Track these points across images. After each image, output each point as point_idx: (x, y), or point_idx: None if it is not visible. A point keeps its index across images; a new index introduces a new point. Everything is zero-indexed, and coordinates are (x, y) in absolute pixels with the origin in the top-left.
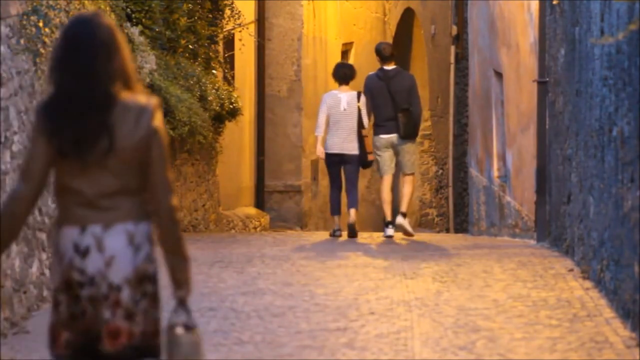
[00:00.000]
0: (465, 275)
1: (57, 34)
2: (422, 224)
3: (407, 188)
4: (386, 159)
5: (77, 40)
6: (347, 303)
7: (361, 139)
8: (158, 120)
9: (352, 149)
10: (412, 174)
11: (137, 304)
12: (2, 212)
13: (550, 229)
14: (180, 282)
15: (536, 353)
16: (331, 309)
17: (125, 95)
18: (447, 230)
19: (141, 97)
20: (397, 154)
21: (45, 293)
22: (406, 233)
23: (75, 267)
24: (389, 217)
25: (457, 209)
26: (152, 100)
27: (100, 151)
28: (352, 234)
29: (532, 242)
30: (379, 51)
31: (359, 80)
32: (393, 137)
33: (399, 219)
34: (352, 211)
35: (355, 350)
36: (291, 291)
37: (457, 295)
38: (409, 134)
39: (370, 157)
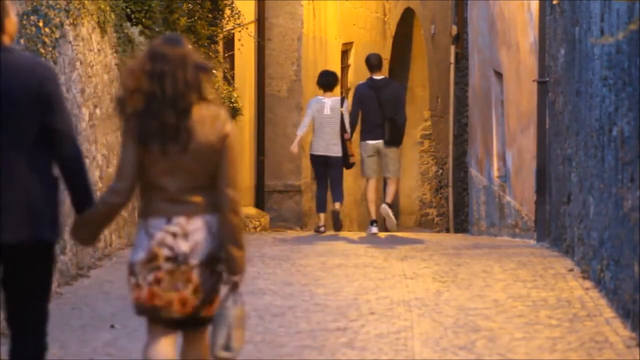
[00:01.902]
0: (465, 275)
1: (57, 33)
2: (422, 224)
3: (391, 187)
4: (371, 163)
5: (159, 53)
6: (347, 303)
7: (344, 141)
8: (229, 127)
9: (336, 151)
10: (396, 179)
11: (205, 282)
12: (102, 203)
13: (550, 229)
14: (235, 270)
15: (536, 353)
16: (331, 309)
17: (201, 104)
18: (447, 230)
19: (214, 107)
20: (381, 158)
21: None
22: (389, 225)
23: (166, 244)
24: (373, 216)
25: (457, 209)
26: (224, 110)
27: (180, 147)
28: (336, 221)
29: (532, 242)
30: (367, 61)
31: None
32: (379, 143)
33: (384, 207)
34: (337, 204)
35: (355, 350)
36: (291, 291)
37: (457, 295)
38: (393, 140)
39: (352, 159)
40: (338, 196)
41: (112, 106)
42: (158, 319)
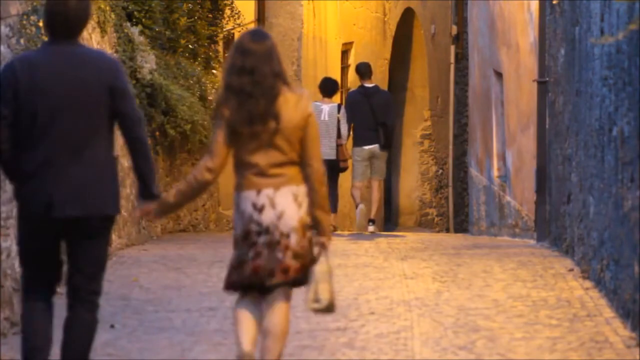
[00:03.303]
0: (465, 275)
1: None
2: (422, 224)
3: (375, 194)
4: (363, 167)
5: (247, 49)
6: (347, 303)
7: (337, 146)
8: (311, 107)
9: (332, 155)
10: (381, 180)
11: (302, 247)
12: (194, 179)
13: (550, 228)
14: (323, 231)
15: (536, 353)
16: None
17: (285, 89)
18: (447, 230)
19: (297, 90)
20: (372, 161)
21: None
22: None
23: (254, 220)
24: (358, 200)
25: (457, 209)
26: (305, 92)
27: (270, 130)
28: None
29: (532, 242)
30: (358, 70)
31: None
32: (373, 147)
33: (370, 228)
34: (332, 216)
35: (355, 350)
36: None
37: (457, 295)
38: (387, 144)
39: (343, 164)
40: (331, 203)
41: None
42: (253, 291)
